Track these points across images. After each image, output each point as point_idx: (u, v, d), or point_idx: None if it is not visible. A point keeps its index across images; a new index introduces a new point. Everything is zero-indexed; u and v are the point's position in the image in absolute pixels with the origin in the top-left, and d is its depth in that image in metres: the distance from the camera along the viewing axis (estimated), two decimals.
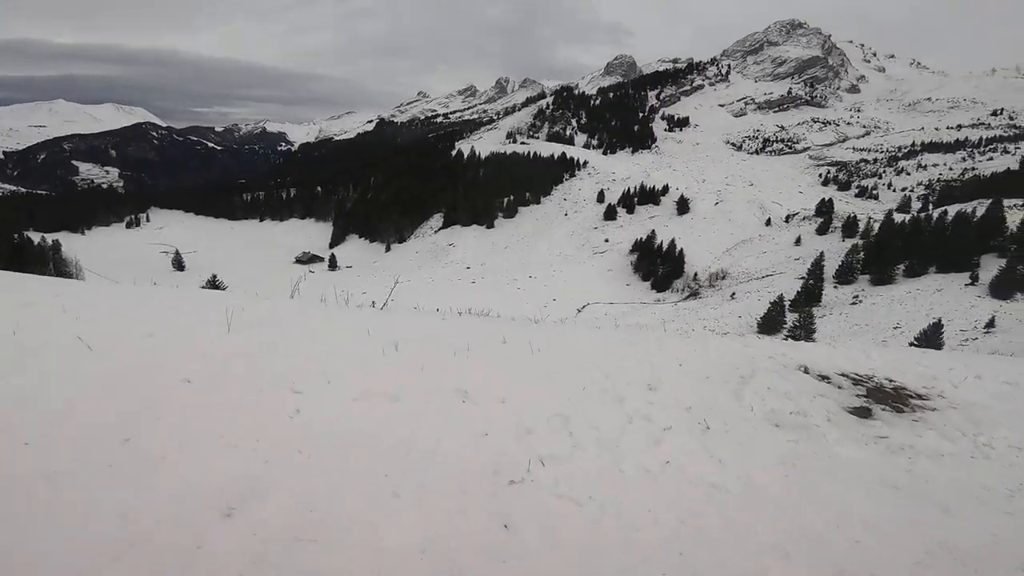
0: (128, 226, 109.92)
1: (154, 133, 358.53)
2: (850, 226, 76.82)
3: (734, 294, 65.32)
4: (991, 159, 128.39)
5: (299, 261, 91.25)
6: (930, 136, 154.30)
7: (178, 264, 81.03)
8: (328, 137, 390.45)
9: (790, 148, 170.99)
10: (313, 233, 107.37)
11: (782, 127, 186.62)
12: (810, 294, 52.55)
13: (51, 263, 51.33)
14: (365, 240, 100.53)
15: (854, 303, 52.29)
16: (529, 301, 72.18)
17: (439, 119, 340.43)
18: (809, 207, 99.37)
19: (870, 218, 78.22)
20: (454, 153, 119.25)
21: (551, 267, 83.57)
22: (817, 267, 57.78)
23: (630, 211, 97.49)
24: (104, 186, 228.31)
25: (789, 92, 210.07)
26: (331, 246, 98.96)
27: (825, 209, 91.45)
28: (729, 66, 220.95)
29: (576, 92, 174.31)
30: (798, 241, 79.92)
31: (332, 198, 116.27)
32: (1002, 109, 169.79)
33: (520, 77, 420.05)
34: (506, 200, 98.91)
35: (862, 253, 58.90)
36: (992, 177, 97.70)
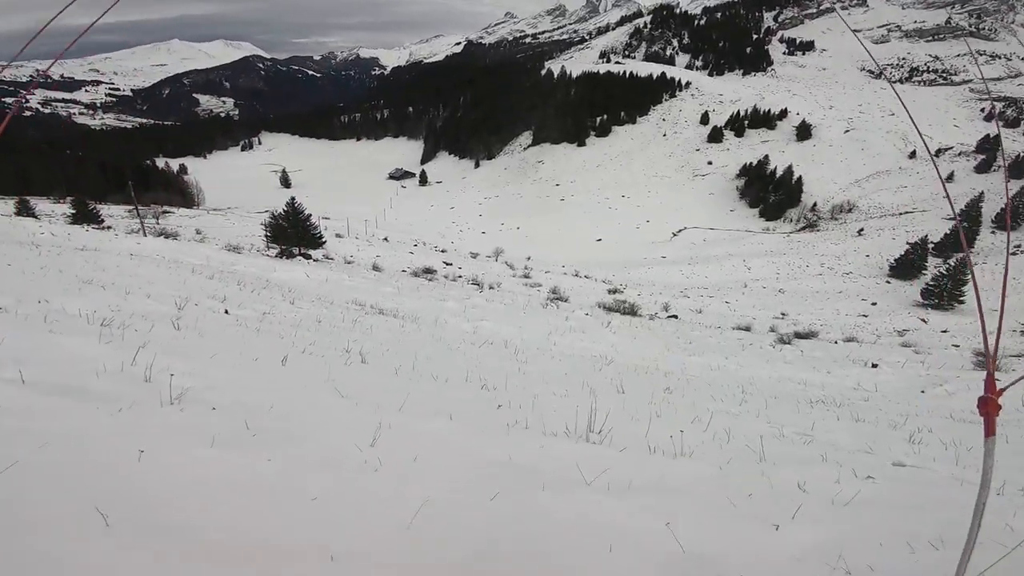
0: (243, 149, 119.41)
1: (260, 65, 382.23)
2: (1021, 165, 66.22)
3: (862, 230, 57.64)
4: None
5: (392, 177, 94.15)
6: None
7: (285, 182, 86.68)
8: (418, 60, 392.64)
9: (944, 79, 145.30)
10: (406, 151, 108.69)
11: (935, 57, 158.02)
12: (956, 238, 44.78)
13: (176, 186, 55.42)
14: (455, 157, 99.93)
15: (1015, 253, 43.29)
16: (621, 221, 67.94)
17: (527, 40, 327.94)
18: (967, 143, 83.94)
19: None
20: (544, 72, 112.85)
21: (646, 188, 77.73)
22: (974, 208, 50.73)
23: (739, 134, 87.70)
24: (222, 115, 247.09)
25: (948, 21, 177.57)
26: (422, 162, 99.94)
27: (989, 146, 77.89)
28: None
29: (678, 11, 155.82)
30: (950, 177, 69.92)
31: (423, 117, 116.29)
32: None
33: None
34: (599, 119, 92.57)
35: None
36: None
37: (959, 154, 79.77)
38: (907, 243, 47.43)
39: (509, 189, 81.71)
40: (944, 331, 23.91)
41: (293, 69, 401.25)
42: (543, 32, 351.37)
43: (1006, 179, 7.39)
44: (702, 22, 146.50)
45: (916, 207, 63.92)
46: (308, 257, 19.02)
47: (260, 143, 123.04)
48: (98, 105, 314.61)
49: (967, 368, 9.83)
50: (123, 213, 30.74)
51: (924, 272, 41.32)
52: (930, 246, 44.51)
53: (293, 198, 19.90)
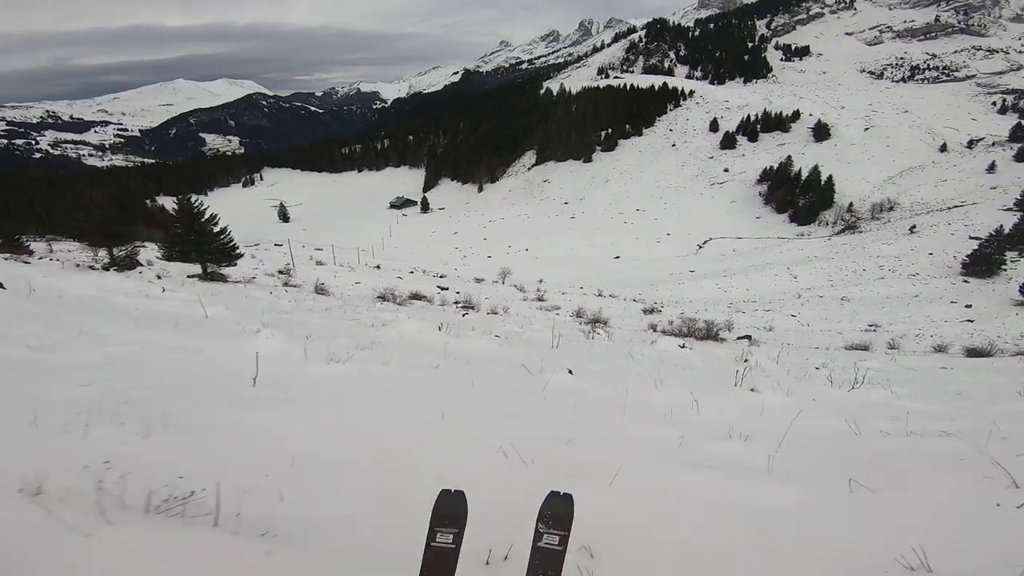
0: (244, 185, 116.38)
1: (264, 102, 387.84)
2: None
3: (914, 227, 52.80)
4: None
5: (393, 206, 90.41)
6: None
7: (283, 216, 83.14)
8: (418, 91, 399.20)
9: (948, 76, 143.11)
10: (408, 179, 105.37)
11: (932, 55, 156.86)
12: None
13: (159, 220, 50.71)
14: (457, 183, 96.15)
15: None
16: (639, 236, 62.60)
17: (524, 66, 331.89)
18: (995, 133, 79.99)
19: None
20: (542, 91, 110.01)
21: (661, 199, 72.70)
22: None
23: (752, 139, 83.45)
24: (228, 153, 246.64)
25: (936, 20, 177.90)
26: (424, 190, 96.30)
27: (1023, 134, 74.13)
28: None
29: (672, 23, 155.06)
30: (991, 168, 66.08)
31: (424, 146, 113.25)
32: None
33: (604, 18, 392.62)
34: (604, 133, 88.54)
35: None
36: None
37: (992, 144, 75.71)
38: (970, 237, 43.32)
39: (515, 210, 76.97)
40: None
41: (296, 105, 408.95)
42: (539, 57, 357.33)
43: None
44: (696, 33, 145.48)
45: (965, 199, 59.22)
46: (211, 276, 13.82)
47: (262, 179, 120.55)
48: (107, 146, 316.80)
49: None
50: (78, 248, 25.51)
51: (1004, 268, 36.67)
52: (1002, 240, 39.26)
53: (189, 196, 15.04)
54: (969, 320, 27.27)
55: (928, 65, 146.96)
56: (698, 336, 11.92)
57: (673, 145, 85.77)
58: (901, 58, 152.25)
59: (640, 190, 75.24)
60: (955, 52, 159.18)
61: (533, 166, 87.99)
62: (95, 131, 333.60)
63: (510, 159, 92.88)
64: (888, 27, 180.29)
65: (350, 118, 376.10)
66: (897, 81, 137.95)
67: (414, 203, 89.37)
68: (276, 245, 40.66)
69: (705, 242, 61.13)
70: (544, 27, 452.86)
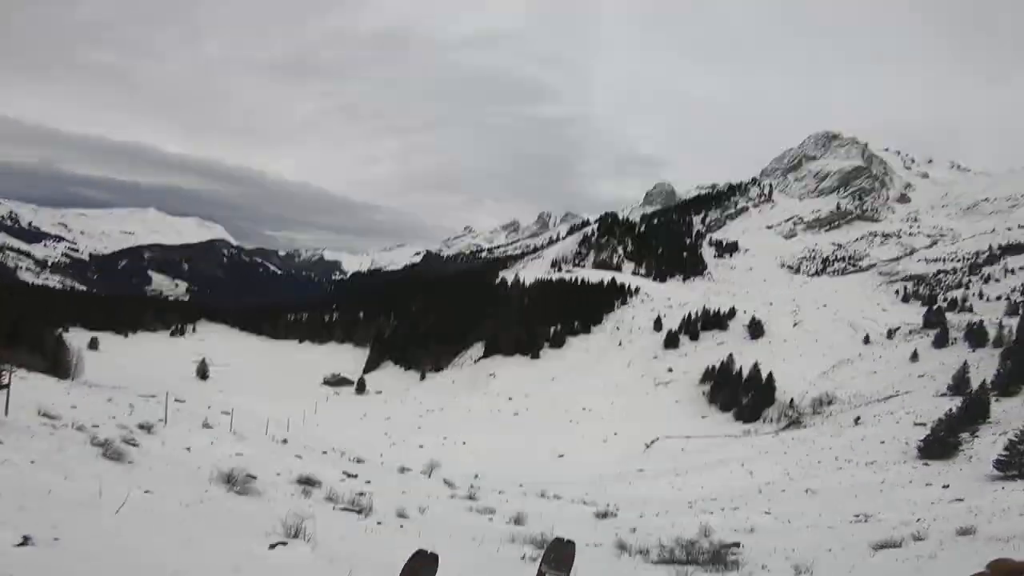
0: (173, 334, 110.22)
1: (225, 251, 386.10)
2: (977, 334, 69.06)
3: (858, 418, 54.55)
4: None
5: (327, 383, 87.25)
6: (1004, 238, 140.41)
7: (202, 374, 78.13)
8: (379, 267, 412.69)
9: (854, 266, 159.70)
10: (350, 358, 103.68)
11: (839, 245, 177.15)
12: (974, 409, 41.26)
13: (51, 352, 46.69)
14: (400, 367, 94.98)
15: None
16: (585, 435, 60.99)
17: (484, 254, 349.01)
18: (910, 321, 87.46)
19: (1001, 324, 69.80)
20: (497, 281, 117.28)
21: (607, 399, 72.45)
22: (961, 380, 51.67)
23: (693, 338, 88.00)
24: (169, 298, 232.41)
25: (838, 207, 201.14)
26: (365, 371, 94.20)
27: (935, 320, 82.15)
28: (771, 185, 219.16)
29: (621, 218, 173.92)
30: (915, 356, 70.71)
31: (372, 325, 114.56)
32: None
33: (561, 211, 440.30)
34: (552, 329, 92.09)
35: (1009, 361, 51.49)
36: None
37: (909, 332, 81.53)
38: (915, 423, 44.80)
39: (457, 401, 75.05)
40: None
41: (256, 261, 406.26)
42: (499, 247, 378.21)
43: None
44: (642, 228, 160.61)
45: (898, 388, 61.41)
46: None
47: (194, 331, 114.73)
48: (49, 264, 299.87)
49: None
50: None
51: (961, 448, 36.66)
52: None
53: None
54: (958, 499, 24.96)
55: (836, 256, 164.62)
56: (702, 561, 8.34)
57: (620, 344, 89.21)
58: (813, 250, 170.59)
59: (587, 389, 75.41)
60: (856, 240, 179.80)
61: (480, 359, 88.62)
62: (45, 244, 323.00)
63: (458, 348, 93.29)
64: (800, 218, 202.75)
65: (307, 284, 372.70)
66: (812, 275, 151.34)
67: (350, 383, 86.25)
68: (177, 400, 37.32)
69: (653, 441, 59.39)
70: (506, 217, 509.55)
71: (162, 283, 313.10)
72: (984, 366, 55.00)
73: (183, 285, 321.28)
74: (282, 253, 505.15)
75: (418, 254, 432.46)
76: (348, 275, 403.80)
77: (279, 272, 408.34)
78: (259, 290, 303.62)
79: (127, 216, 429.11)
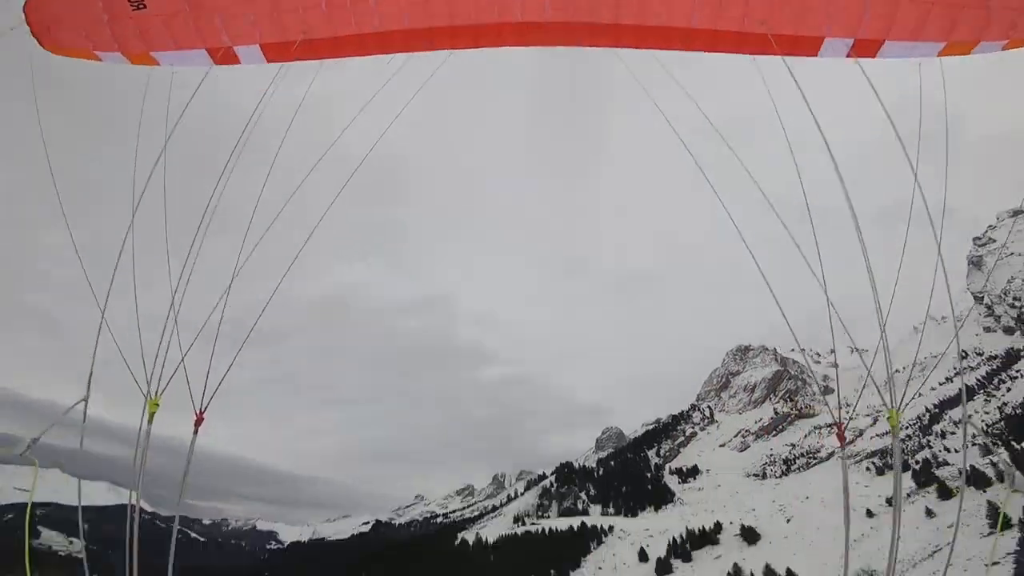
0: None
1: (137, 516, 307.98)
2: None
3: None
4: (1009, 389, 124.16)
5: None
6: (940, 395, 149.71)
7: None
8: (322, 537, 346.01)
9: (815, 459, 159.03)
10: None
11: (792, 444, 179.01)
12: None
13: None
14: None
15: None
16: None
17: (439, 519, 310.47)
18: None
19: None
20: (457, 542, 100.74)
21: None
22: None
23: (686, 559, 77.47)
24: (62, 554, 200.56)
25: (776, 412, 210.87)
26: None
27: (926, 479, 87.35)
28: (710, 408, 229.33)
29: (577, 466, 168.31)
30: (929, 513, 70.19)
31: None
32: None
33: (515, 470, 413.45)
34: None
35: None
36: None
37: (908, 495, 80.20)
38: None
39: None
40: None
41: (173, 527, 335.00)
42: (454, 511, 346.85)
43: None
44: (601, 472, 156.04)
45: (913, 556, 58.72)
46: None
47: None
48: None
49: None
50: None
51: None
52: None
53: None
54: None
55: (793, 455, 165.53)
56: None
57: None
58: (770, 456, 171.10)
59: None
60: (806, 437, 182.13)
61: None
62: None
63: None
64: (747, 431, 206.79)
65: (237, 552, 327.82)
66: (779, 477, 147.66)
67: None
68: None
69: None
70: (459, 482, 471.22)
71: (52, 539, 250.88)
72: None
73: (78, 543, 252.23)
74: (206, 521, 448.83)
75: (367, 523, 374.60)
76: (286, 544, 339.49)
77: (202, 539, 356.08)
78: (178, 555, 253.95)
79: (27, 474, 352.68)
